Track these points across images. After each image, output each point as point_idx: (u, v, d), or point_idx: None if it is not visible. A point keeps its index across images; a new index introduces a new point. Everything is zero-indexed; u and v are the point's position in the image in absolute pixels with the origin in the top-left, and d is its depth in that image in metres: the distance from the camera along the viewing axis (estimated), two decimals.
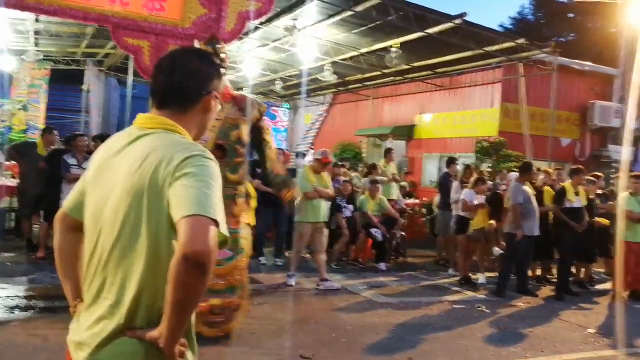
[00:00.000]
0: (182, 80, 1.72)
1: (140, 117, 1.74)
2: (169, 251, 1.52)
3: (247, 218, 4.40)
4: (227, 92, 4.14)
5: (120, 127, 19.07)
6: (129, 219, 1.55)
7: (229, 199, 3.86)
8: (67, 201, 1.81)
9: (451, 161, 10.24)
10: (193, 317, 1.66)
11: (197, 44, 4.58)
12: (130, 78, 14.13)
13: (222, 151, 3.99)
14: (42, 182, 7.84)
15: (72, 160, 7.66)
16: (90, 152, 7.80)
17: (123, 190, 1.57)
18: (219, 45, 4.40)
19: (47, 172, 7.79)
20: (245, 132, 4.20)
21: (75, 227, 1.78)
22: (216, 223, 1.46)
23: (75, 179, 7.06)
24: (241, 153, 4.16)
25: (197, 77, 1.75)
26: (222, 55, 4.35)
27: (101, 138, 8.99)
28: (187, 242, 1.39)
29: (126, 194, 1.56)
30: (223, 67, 4.08)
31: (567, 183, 8.34)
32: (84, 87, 18.66)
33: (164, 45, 7.47)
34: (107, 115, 19.07)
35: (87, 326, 1.59)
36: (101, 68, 18.05)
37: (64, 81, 19.01)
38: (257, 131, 4.45)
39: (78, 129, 17.67)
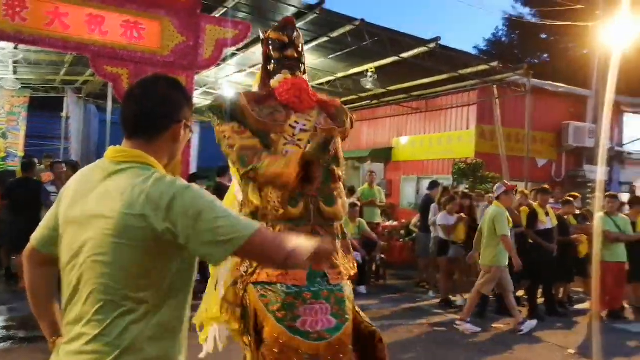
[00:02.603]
0: (151, 109, 1.71)
1: (111, 150, 1.72)
2: (157, 288, 1.58)
3: (351, 267, 3.03)
4: (312, 94, 3.05)
5: (100, 152, 18.90)
6: (114, 260, 1.55)
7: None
8: (35, 237, 1.81)
9: (434, 184, 10.35)
10: (186, 326, 1.70)
11: (261, 34, 3.28)
12: (109, 104, 14.10)
13: (312, 174, 2.82)
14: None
15: (52, 188, 7.64)
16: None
17: (106, 232, 1.56)
18: (294, 34, 3.12)
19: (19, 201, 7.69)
20: (340, 146, 3.07)
21: (46, 262, 1.78)
22: (256, 232, 1.58)
23: None
24: (337, 176, 3.00)
25: (166, 105, 1.73)
26: (300, 47, 3.13)
27: (71, 165, 8.95)
28: (272, 258, 1.65)
29: (110, 236, 1.56)
30: (301, 61, 3.11)
31: (535, 204, 8.44)
32: (63, 114, 18.60)
33: (142, 72, 7.54)
34: (87, 142, 18.94)
35: None
36: (80, 95, 18.01)
37: (43, 108, 18.88)
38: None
39: (58, 155, 17.55)
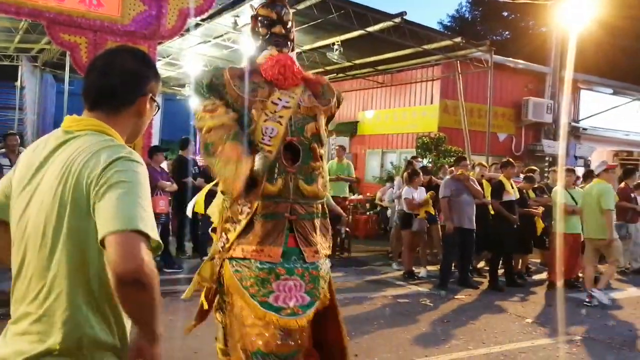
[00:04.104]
0: (117, 81, 1.65)
1: (68, 119, 1.66)
2: (99, 264, 1.50)
3: (328, 247, 3.08)
4: (297, 71, 2.98)
5: (57, 124, 18.35)
6: (57, 231, 1.50)
7: (305, 220, 2.86)
8: None
9: (413, 159, 10.53)
10: (129, 327, 1.62)
11: (251, 11, 3.25)
12: (67, 74, 13.71)
13: (293, 153, 2.88)
14: None
15: (4, 161, 7.42)
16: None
17: (50, 201, 1.52)
18: (283, 11, 3.08)
19: None
20: (323, 125, 3.04)
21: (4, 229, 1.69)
22: (145, 235, 1.43)
23: None
24: (319, 155, 2.98)
25: (133, 78, 1.68)
26: (288, 24, 3.11)
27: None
28: (118, 263, 1.37)
29: (52, 205, 1.51)
30: (289, 38, 3.09)
31: (501, 176, 8.64)
32: (18, 83, 18.00)
33: (102, 42, 7.32)
34: (43, 113, 18.42)
35: (12, 342, 1.54)
36: (36, 64, 17.44)
37: None
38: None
39: (12, 127, 17.04)
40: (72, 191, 1.49)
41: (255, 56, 3.06)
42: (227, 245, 2.76)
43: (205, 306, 2.95)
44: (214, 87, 2.88)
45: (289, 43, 3.09)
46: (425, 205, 8.64)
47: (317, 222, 2.99)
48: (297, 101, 2.95)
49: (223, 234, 2.79)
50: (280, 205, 2.78)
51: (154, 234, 1.46)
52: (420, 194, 8.74)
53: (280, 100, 2.89)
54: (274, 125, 2.81)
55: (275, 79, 2.92)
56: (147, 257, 1.40)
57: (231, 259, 2.74)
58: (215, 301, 2.83)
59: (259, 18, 3.10)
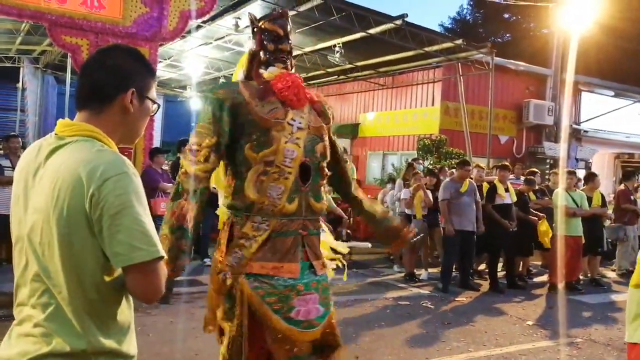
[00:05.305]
0: (100, 77, 1.61)
1: (60, 123, 1.62)
2: (95, 275, 1.51)
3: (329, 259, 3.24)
4: (302, 91, 3.01)
5: None
6: (52, 240, 1.49)
7: (313, 235, 2.99)
8: None
9: (414, 161, 10.54)
10: (132, 318, 1.65)
11: (251, 20, 3.22)
12: (68, 76, 13.73)
13: (307, 173, 2.92)
14: None
15: (5, 163, 7.43)
16: None
17: (45, 210, 1.50)
18: (288, 27, 3.08)
19: None
20: (328, 144, 3.11)
21: None
22: (161, 257, 1.50)
23: (9, 182, 6.87)
24: (326, 174, 3.07)
25: (116, 73, 1.62)
26: (290, 40, 3.10)
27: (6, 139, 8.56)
28: (142, 296, 1.53)
29: (46, 214, 1.49)
30: (292, 54, 3.10)
31: (496, 180, 8.65)
32: (19, 85, 18.04)
33: (104, 43, 7.33)
34: (45, 114, 18.44)
35: (17, 343, 1.55)
36: (37, 66, 17.46)
37: None
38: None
39: (13, 128, 17.07)
40: (65, 203, 1.47)
41: (257, 72, 3.06)
42: (243, 262, 2.82)
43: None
44: (234, 106, 2.86)
45: (290, 58, 3.10)
46: (416, 197, 8.59)
47: (323, 235, 3.14)
48: (307, 121, 2.99)
49: (237, 249, 2.83)
50: (295, 223, 2.89)
51: (162, 250, 1.52)
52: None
53: (294, 120, 2.92)
54: (293, 147, 2.87)
55: (289, 99, 2.94)
56: (164, 279, 1.54)
57: (249, 275, 2.80)
58: (222, 312, 2.89)
59: (265, 32, 3.07)
